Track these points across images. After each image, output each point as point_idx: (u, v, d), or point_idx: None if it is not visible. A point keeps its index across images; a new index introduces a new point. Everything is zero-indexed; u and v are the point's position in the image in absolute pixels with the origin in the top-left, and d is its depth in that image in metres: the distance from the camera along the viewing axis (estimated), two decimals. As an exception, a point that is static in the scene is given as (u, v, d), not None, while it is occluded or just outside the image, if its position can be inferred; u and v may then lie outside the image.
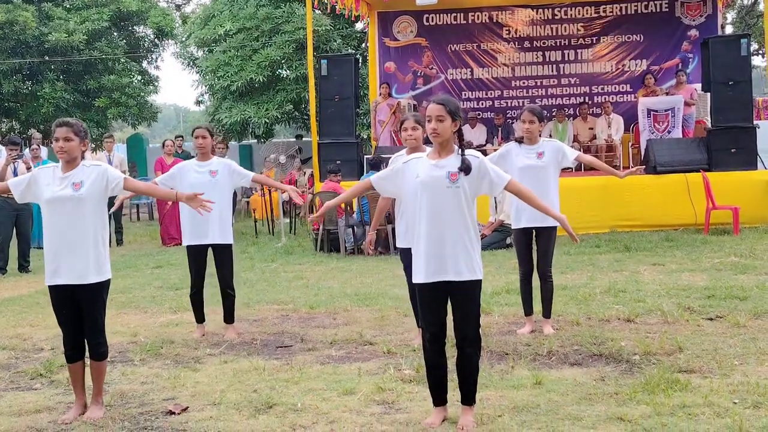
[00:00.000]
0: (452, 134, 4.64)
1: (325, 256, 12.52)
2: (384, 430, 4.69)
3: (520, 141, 7.05)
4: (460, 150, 4.62)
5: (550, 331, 6.88)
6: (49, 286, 5.12)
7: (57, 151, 5.05)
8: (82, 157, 5.15)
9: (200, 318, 7.40)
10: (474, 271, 4.60)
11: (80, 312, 5.09)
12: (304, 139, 22.93)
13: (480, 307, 4.75)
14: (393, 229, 12.49)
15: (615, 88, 17.74)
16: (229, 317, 7.35)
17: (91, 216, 5.05)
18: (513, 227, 7.13)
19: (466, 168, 4.54)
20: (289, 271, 11.07)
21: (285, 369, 6.07)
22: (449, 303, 4.69)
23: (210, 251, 7.29)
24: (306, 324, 7.66)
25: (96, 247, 5.06)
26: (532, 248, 7.08)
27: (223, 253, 7.27)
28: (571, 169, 12.18)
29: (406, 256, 6.95)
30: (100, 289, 5.09)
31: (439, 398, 4.81)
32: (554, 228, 6.87)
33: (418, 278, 4.67)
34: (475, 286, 4.63)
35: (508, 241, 12.07)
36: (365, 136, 20.64)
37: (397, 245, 6.99)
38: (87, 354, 5.19)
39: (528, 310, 7.09)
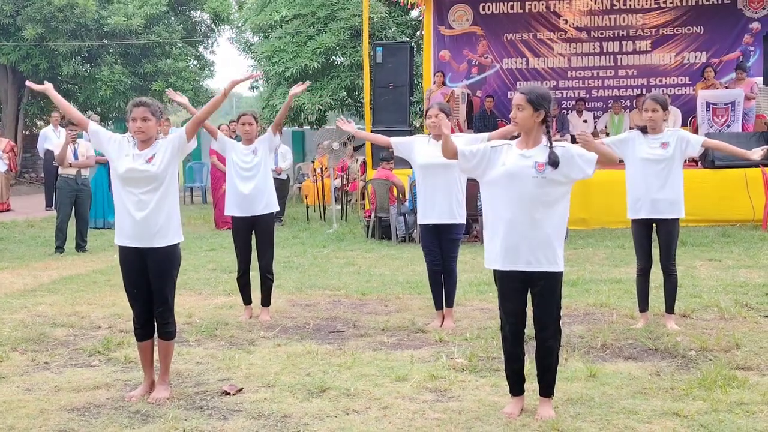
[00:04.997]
0: (536, 124, 4.58)
1: (376, 243, 12.55)
2: (437, 417, 4.71)
3: (643, 130, 6.63)
4: (548, 142, 4.56)
5: (674, 327, 6.58)
6: (120, 247, 5.10)
7: (134, 132, 5.03)
8: (157, 137, 5.17)
9: (247, 300, 7.53)
10: (554, 262, 4.56)
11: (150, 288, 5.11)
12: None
13: (561, 298, 4.69)
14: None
15: (673, 81, 17.44)
16: (266, 300, 7.49)
17: (165, 185, 5.05)
18: (630, 218, 6.74)
19: (553, 163, 4.49)
20: (340, 257, 11.11)
21: (338, 354, 6.11)
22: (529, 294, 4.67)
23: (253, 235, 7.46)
24: (358, 310, 7.69)
25: (169, 212, 5.07)
26: (652, 241, 6.76)
27: (266, 230, 7.41)
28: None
29: (425, 232, 7.03)
30: (171, 254, 5.08)
31: (517, 388, 4.80)
32: (677, 219, 6.64)
33: (494, 265, 4.67)
34: (555, 277, 4.59)
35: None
36: (418, 125, 20.59)
37: (418, 222, 7.11)
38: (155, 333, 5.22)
39: (643, 306, 6.81)
